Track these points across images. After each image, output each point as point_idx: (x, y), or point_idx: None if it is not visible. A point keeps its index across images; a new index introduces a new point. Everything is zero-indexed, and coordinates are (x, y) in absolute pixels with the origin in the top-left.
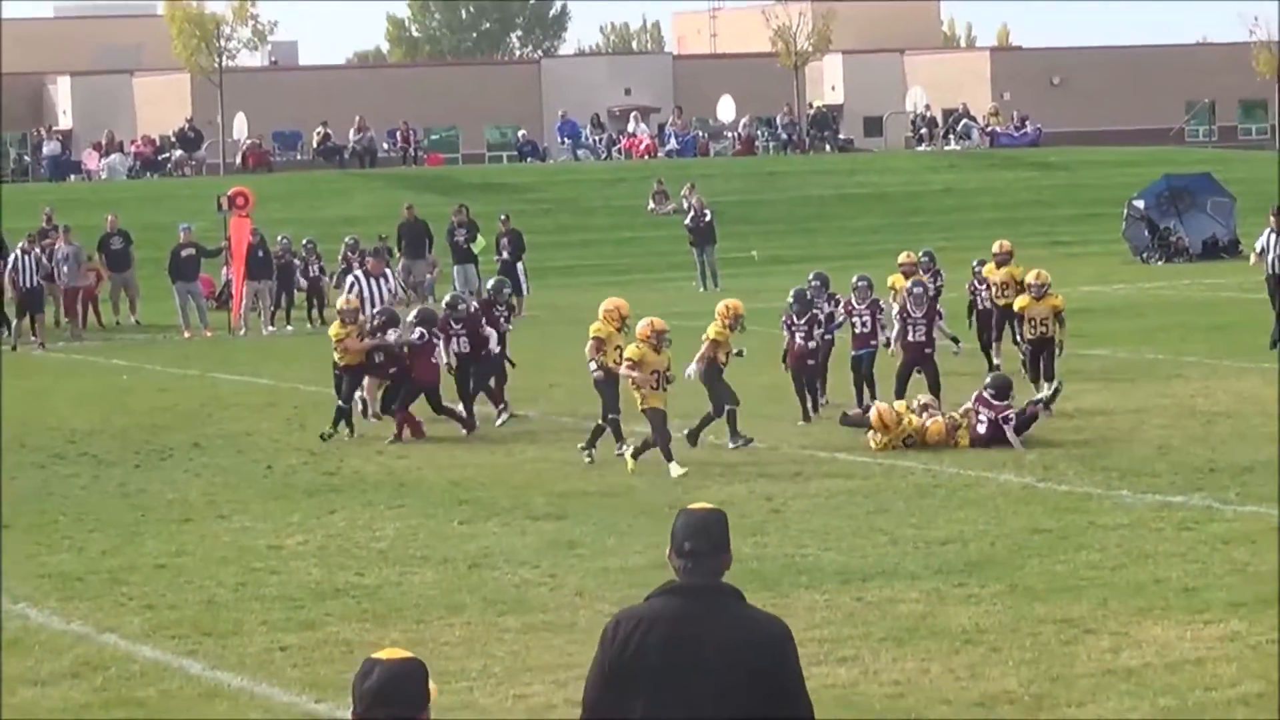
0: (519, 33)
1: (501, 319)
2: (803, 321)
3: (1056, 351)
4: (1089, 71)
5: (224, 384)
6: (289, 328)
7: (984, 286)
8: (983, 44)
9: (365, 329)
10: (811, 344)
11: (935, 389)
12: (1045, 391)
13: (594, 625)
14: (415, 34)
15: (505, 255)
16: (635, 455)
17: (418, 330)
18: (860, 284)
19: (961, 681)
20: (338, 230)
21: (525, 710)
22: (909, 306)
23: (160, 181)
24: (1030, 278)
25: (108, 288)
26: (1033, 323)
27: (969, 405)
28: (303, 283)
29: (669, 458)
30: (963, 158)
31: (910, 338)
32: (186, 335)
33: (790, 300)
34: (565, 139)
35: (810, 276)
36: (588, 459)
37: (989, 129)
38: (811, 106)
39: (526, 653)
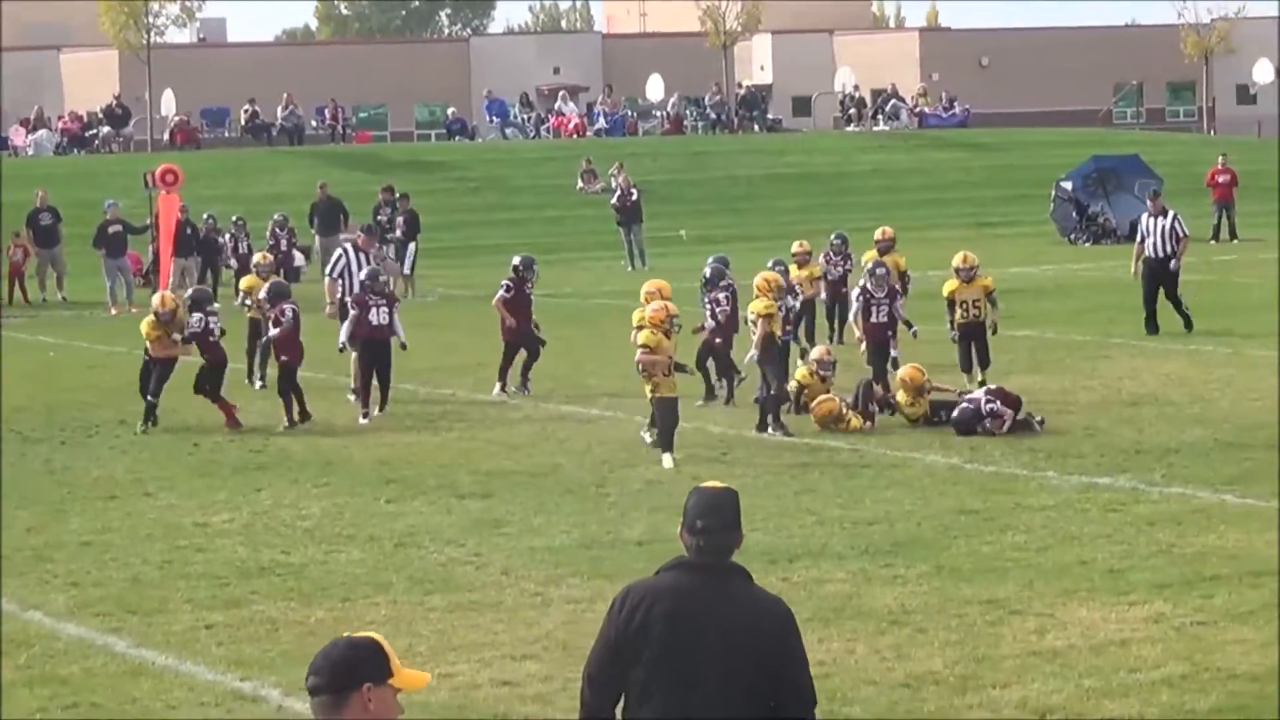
0: (448, 10)
1: (377, 308)
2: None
3: (989, 332)
4: (1017, 53)
5: None
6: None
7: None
8: (911, 25)
9: (182, 327)
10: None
11: (881, 375)
12: (977, 382)
13: (520, 604)
14: (344, 11)
15: (399, 234)
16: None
17: (196, 316)
18: (776, 266)
19: (887, 662)
20: (266, 208)
21: (450, 689)
22: (870, 287)
23: (87, 158)
24: (957, 261)
25: (34, 264)
26: (964, 306)
27: (977, 394)
28: (233, 261)
29: (667, 448)
30: (891, 138)
31: (874, 319)
32: (113, 312)
33: (705, 275)
34: (494, 118)
35: (711, 260)
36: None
37: (917, 110)
38: (740, 86)
39: (452, 631)
